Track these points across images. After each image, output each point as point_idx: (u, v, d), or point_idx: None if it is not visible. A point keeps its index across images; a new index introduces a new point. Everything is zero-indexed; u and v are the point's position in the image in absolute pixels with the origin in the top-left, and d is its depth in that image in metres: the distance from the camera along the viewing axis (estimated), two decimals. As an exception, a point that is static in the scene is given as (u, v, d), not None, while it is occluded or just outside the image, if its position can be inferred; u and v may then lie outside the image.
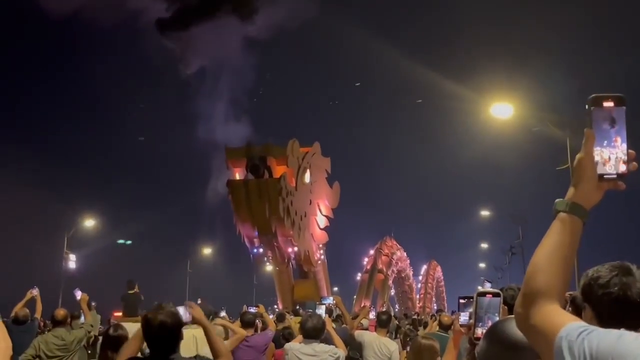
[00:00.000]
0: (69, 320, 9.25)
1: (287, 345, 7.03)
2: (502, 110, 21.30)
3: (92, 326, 8.93)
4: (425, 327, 14.79)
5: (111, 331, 5.81)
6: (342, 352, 6.87)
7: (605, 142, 1.54)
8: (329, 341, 7.10)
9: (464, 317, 4.49)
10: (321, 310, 8.33)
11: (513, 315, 2.43)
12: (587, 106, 1.57)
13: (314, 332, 6.79)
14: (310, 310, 11.73)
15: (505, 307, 3.78)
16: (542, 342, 1.45)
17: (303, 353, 6.69)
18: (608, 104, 1.55)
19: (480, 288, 7.72)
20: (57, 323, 8.62)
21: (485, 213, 50.55)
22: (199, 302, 8.79)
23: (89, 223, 41.24)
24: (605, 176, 1.54)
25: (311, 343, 6.75)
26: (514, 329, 2.15)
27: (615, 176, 1.54)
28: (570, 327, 1.39)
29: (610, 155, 1.54)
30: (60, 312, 8.69)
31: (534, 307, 1.50)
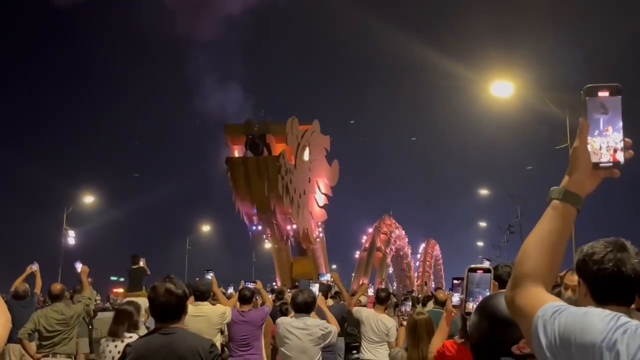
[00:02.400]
0: (66, 294, 9.29)
1: (279, 320, 7.11)
2: (503, 88, 21.29)
3: (90, 299, 8.96)
4: (424, 305, 14.88)
5: (119, 305, 6.32)
6: (333, 327, 6.93)
7: (598, 131, 1.56)
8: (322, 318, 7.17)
9: (456, 298, 4.53)
10: (315, 288, 8.41)
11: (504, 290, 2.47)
12: (582, 96, 1.59)
13: (304, 307, 6.88)
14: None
15: (496, 282, 3.83)
16: (524, 323, 1.48)
17: (294, 327, 6.77)
18: (603, 93, 1.57)
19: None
20: (53, 297, 8.66)
21: (484, 192, 50.66)
22: (211, 276, 8.74)
23: (88, 199, 41.31)
24: (600, 164, 1.56)
25: (302, 317, 6.82)
26: (504, 304, 2.20)
27: (610, 164, 1.56)
28: (547, 307, 1.42)
29: (603, 144, 1.56)
30: (57, 287, 8.73)
31: (520, 289, 1.54)
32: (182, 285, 4.18)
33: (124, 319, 6.10)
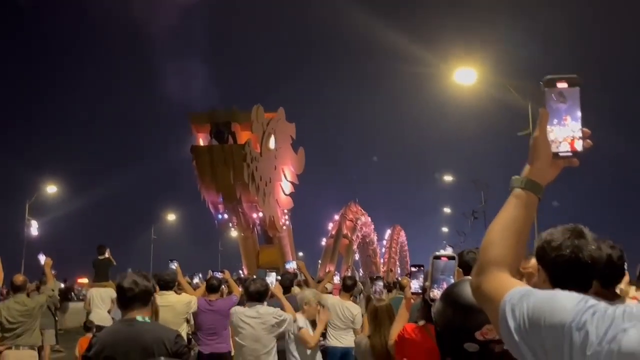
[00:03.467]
0: (29, 286, 9.16)
1: (232, 309, 7.11)
2: (466, 75, 21.44)
3: (53, 291, 8.85)
4: (390, 291, 15.02)
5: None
6: (289, 315, 6.95)
7: (556, 120, 1.59)
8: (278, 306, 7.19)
9: (415, 285, 4.58)
10: (271, 278, 8.43)
11: (468, 277, 2.51)
12: (541, 87, 1.61)
13: (257, 295, 6.89)
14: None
15: (460, 269, 3.87)
16: (491, 308, 1.50)
17: (247, 315, 6.78)
18: (562, 84, 1.59)
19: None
20: (16, 289, 8.54)
21: (448, 178, 51.03)
22: (175, 266, 8.67)
23: (51, 189, 40.69)
24: (559, 154, 1.59)
25: (255, 306, 6.83)
26: (468, 291, 2.21)
27: (569, 154, 1.59)
28: (514, 291, 1.44)
29: (562, 134, 1.59)
30: (20, 278, 8.60)
31: (486, 275, 1.56)
32: (149, 276, 4.20)
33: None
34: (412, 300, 4.46)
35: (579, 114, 1.58)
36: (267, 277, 8.89)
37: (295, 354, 6.87)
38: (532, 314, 1.35)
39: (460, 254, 5.07)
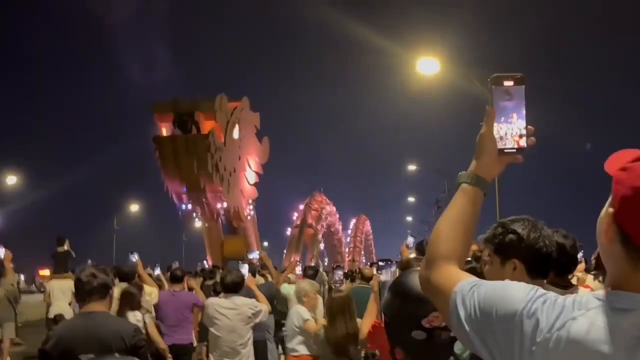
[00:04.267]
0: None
1: (208, 300, 7.10)
2: (429, 65, 21.55)
3: (12, 285, 8.72)
4: (352, 281, 15.09)
5: (131, 289, 6.99)
6: (264, 306, 6.97)
7: (503, 118, 1.63)
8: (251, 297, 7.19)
9: (384, 278, 4.65)
10: (244, 269, 8.43)
11: (416, 269, 2.59)
12: (488, 84, 1.66)
13: (233, 286, 6.89)
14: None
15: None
16: (441, 300, 1.52)
17: (222, 307, 6.77)
18: (508, 82, 1.64)
19: (405, 242, 7.94)
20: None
21: (412, 168, 51.35)
22: (136, 258, 8.57)
23: (10, 180, 39.97)
24: (505, 150, 1.63)
25: (231, 297, 6.83)
26: (415, 282, 2.27)
27: (514, 150, 1.63)
28: (463, 283, 1.47)
29: (507, 131, 1.63)
30: None
31: (435, 269, 1.58)
32: (107, 270, 4.19)
33: (128, 301, 6.74)
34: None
35: (524, 111, 1.63)
36: (240, 268, 8.88)
37: (300, 347, 6.70)
38: (483, 303, 1.37)
39: (420, 243, 5.16)
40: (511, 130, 1.62)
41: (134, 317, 6.61)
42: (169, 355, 7.04)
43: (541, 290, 1.34)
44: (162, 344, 7.01)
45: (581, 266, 6.65)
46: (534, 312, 1.28)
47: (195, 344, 8.86)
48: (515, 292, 1.36)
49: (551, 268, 2.68)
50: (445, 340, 2.27)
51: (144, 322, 6.85)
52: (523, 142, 1.62)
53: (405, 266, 4.59)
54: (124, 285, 7.34)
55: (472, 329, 1.38)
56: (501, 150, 1.63)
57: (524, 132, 1.62)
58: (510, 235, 2.58)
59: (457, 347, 2.94)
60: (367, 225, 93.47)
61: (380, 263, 4.78)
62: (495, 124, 1.62)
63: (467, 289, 1.44)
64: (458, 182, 1.69)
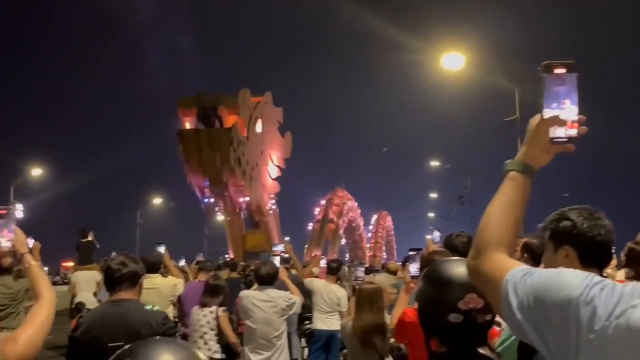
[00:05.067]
0: (14, 270, 9.07)
1: (243, 293, 7.10)
2: (453, 61, 21.43)
3: None
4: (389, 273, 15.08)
5: (210, 280, 7.53)
6: (297, 298, 6.97)
7: (555, 104, 1.59)
8: (284, 289, 7.19)
9: (414, 268, 4.61)
10: (276, 261, 8.43)
11: (449, 258, 2.59)
12: (538, 72, 1.61)
13: (268, 278, 6.88)
14: None
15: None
16: (491, 289, 1.50)
17: (258, 299, 6.76)
18: (559, 70, 1.59)
19: (429, 237, 7.90)
20: (3, 271, 8.46)
21: (435, 164, 51.13)
22: (163, 249, 8.60)
23: (36, 172, 40.37)
24: (555, 139, 1.60)
25: (265, 289, 6.82)
26: (447, 268, 2.34)
27: (565, 139, 1.60)
28: (515, 271, 1.44)
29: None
30: (7, 260, 8.49)
31: (484, 257, 1.56)
32: (137, 259, 4.21)
33: (214, 292, 7.24)
34: (411, 285, 4.47)
35: (576, 100, 1.59)
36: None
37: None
38: (537, 290, 1.35)
39: (449, 237, 5.10)
40: (563, 117, 1.59)
41: (213, 307, 7.15)
42: (240, 347, 7.16)
43: (598, 277, 1.30)
44: (233, 337, 7.10)
45: (612, 262, 6.57)
46: (592, 299, 1.25)
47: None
48: (571, 279, 1.32)
49: (607, 259, 2.63)
50: (482, 323, 2.25)
51: (217, 315, 7.11)
52: (574, 132, 1.59)
53: (427, 262, 4.51)
54: (151, 275, 7.36)
55: (525, 317, 1.36)
56: (552, 140, 1.60)
57: (575, 117, 1.58)
58: (565, 222, 2.56)
59: (500, 347, 2.92)
60: (389, 221, 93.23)
61: (411, 253, 4.71)
62: (547, 110, 1.59)
63: (519, 277, 1.41)
64: (505, 169, 1.67)
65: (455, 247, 4.72)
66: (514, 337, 2.76)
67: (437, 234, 7.63)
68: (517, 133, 21.25)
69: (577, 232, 2.53)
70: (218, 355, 7.20)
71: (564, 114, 1.59)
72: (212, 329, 7.18)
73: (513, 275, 1.43)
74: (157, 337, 1.77)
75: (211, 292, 7.29)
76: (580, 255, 2.52)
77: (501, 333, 3.12)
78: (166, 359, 1.26)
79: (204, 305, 7.22)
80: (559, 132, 1.60)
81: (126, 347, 1.33)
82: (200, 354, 1.39)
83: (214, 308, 7.14)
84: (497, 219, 1.62)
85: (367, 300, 5.68)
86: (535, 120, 1.63)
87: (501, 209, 1.63)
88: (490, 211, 1.64)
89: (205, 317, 7.18)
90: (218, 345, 7.19)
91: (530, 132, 1.64)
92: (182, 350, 1.32)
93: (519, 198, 1.63)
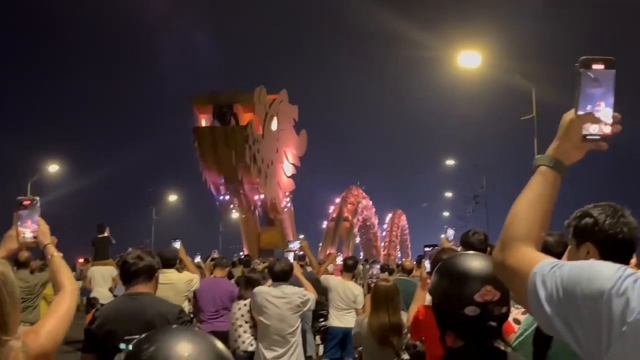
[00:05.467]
0: (32, 264, 9.13)
1: (257, 289, 7.08)
2: (470, 59, 21.34)
3: None
4: (391, 274, 15.04)
5: (247, 273, 8.01)
6: (312, 295, 6.94)
7: (590, 106, 1.56)
8: (298, 286, 7.17)
9: (429, 265, 4.58)
10: (290, 257, 8.43)
11: (462, 252, 2.54)
12: (576, 68, 1.58)
13: (282, 275, 6.86)
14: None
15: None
16: (517, 282, 1.48)
17: (272, 295, 6.74)
18: (597, 66, 1.56)
19: (443, 236, 7.84)
20: (20, 265, 8.51)
21: (450, 163, 50.95)
22: (179, 244, 8.60)
23: (53, 168, 40.65)
24: (588, 137, 1.57)
25: (280, 285, 6.81)
26: (462, 261, 2.32)
27: (598, 137, 1.57)
28: (544, 263, 1.42)
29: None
30: (24, 254, 8.55)
31: (510, 250, 1.54)
32: (153, 253, 4.22)
33: (250, 285, 7.41)
34: (428, 280, 4.43)
35: (612, 98, 1.56)
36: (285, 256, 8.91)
37: None
38: (567, 283, 1.32)
39: (465, 234, 5.06)
40: (598, 115, 1.56)
41: (243, 302, 7.42)
42: None
43: (630, 270, 1.28)
44: None
45: (632, 261, 6.50)
46: (624, 291, 1.22)
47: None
48: (603, 271, 1.29)
49: (629, 256, 2.58)
50: (498, 316, 2.23)
51: (250, 307, 7.30)
52: (608, 129, 1.56)
53: (436, 261, 4.44)
54: (166, 270, 7.36)
55: (554, 310, 1.33)
56: (584, 137, 1.57)
57: (610, 118, 1.56)
58: (586, 219, 2.54)
59: (516, 342, 2.88)
60: (403, 220, 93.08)
61: (426, 249, 4.68)
62: (582, 112, 1.56)
63: (547, 269, 1.39)
64: (536, 164, 1.65)
65: (472, 244, 4.68)
66: (529, 331, 2.73)
67: (451, 232, 7.59)
68: (534, 132, 21.14)
69: (598, 229, 2.50)
70: (252, 348, 7.35)
71: (597, 114, 1.55)
72: (246, 322, 7.45)
73: (541, 267, 1.41)
74: (175, 325, 1.76)
75: (246, 285, 7.59)
76: (601, 252, 2.49)
77: (518, 330, 3.10)
78: (184, 346, 1.26)
79: (240, 297, 7.56)
80: (592, 129, 1.57)
81: (144, 335, 1.32)
82: (219, 343, 1.37)
83: (248, 301, 7.34)
84: (525, 213, 1.59)
85: (383, 298, 5.66)
86: (568, 115, 1.60)
87: (529, 203, 1.60)
88: (519, 205, 1.62)
89: (240, 310, 7.56)
90: (252, 338, 7.37)
91: (562, 127, 1.62)
92: (200, 339, 1.32)
93: (548, 193, 1.61)
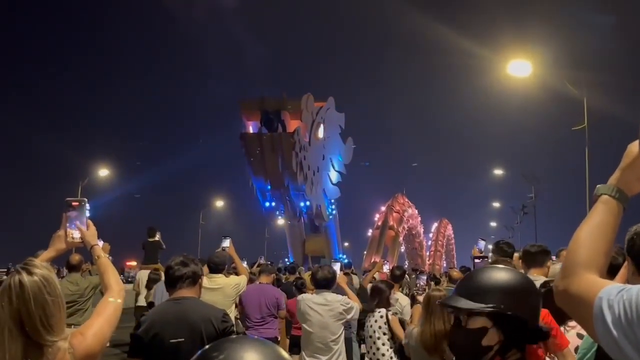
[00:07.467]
0: (84, 267, 9.25)
1: (300, 296, 7.06)
2: (520, 67, 21.05)
3: None
4: (437, 284, 14.89)
5: (378, 284, 7.64)
6: (355, 303, 6.89)
7: None
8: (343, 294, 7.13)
9: None
10: (336, 266, 8.40)
11: (490, 266, 2.47)
12: None
13: (324, 282, 6.83)
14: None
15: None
16: (582, 309, 1.44)
17: (315, 302, 6.72)
18: None
19: (476, 246, 7.71)
20: (71, 268, 8.64)
21: (498, 172, 50.35)
22: (228, 243, 8.61)
23: (103, 172, 41.46)
24: None
25: (322, 293, 6.78)
26: (477, 278, 2.27)
27: None
28: (610, 288, 1.39)
29: None
30: (75, 257, 8.68)
31: (573, 277, 1.51)
32: (196, 260, 4.31)
33: (375, 295, 7.34)
34: None
35: None
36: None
37: None
38: (636, 305, 1.29)
39: (497, 243, 4.98)
40: None
41: (378, 313, 7.18)
42: None
43: None
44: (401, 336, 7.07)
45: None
46: None
47: (279, 338, 8.88)
48: None
49: None
50: None
51: (387, 318, 7.14)
52: None
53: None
54: (214, 275, 7.39)
55: (622, 334, 1.29)
56: None
57: None
58: (628, 234, 2.43)
59: None
60: (449, 229, 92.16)
61: (476, 260, 4.63)
62: None
63: (614, 293, 1.36)
64: (598, 193, 1.61)
65: (502, 250, 4.61)
66: (590, 354, 2.64)
67: (482, 244, 7.50)
68: (585, 142, 20.71)
69: (633, 244, 2.37)
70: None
71: None
72: (384, 333, 7.22)
73: (607, 292, 1.38)
74: (243, 334, 1.77)
75: (372, 295, 7.45)
76: (638, 268, 2.36)
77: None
78: (252, 355, 1.28)
79: (368, 310, 7.42)
80: None
81: (212, 343, 1.34)
82: (284, 353, 1.36)
83: (383, 311, 7.19)
84: (587, 241, 1.56)
85: (436, 306, 5.58)
86: (634, 147, 1.55)
87: (592, 231, 1.57)
88: (580, 233, 1.58)
89: (377, 322, 7.22)
90: (391, 351, 7.20)
91: (626, 157, 1.58)
92: (268, 348, 1.32)
93: (611, 222, 1.57)
